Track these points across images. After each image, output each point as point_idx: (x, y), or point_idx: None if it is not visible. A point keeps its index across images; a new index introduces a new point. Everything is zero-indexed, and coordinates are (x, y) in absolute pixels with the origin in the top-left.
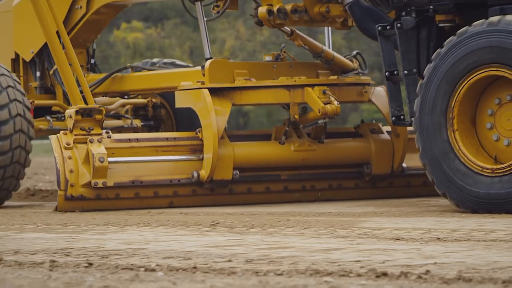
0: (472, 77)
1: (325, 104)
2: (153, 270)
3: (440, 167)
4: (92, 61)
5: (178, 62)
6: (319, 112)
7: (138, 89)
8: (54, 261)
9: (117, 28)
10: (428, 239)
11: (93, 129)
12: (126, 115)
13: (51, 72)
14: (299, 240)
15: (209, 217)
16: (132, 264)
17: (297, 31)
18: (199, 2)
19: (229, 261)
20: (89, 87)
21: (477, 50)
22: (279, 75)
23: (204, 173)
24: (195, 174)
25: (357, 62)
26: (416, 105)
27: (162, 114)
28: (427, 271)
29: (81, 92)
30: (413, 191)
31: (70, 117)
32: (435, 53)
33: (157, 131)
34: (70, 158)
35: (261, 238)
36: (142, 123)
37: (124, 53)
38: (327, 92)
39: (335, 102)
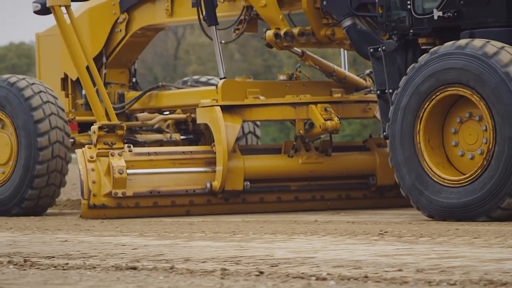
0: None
1: (326, 120)
2: (324, 279)
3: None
4: (134, 79)
5: (210, 79)
6: (320, 128)
7: (169, 105)
8: (225, 269)
9: None
10: None
11: (115, 144)
12: (167, 130)
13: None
14: (469, 249)
15: (377, 226)
16: (302, 273)
17: (308, 52)
18: (213, 26)
19: (400, 270)
20: (127, 104)
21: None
22: (292, 93)
23: (216, 184)
24: (208, 185)
25: (370, 80)
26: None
27: (201, 128)
28: None
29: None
30: None
31: (94, 132)
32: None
33: (197, 144)
34: (93, 170)
35: (430, 248)
36: (182, 137)
37: (286, 63)
38: (328, 109)
39: (336, 119)
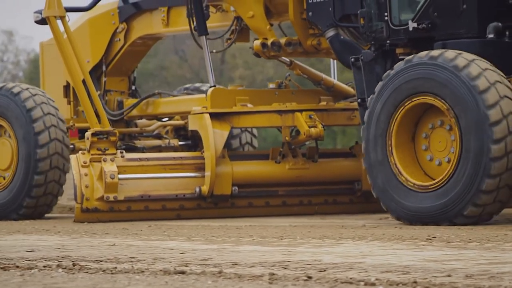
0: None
1: (310, 127)
2: (372, 284)
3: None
4: (133, 87)
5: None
6: (304, 135)
7: (165, 112)
8: (273, 274)
9: None
10: None
11: (108, 149)
12: (165, 136)
13: None
14: None
15: (425, 231)
16: (351, 278)
17: (295, 61)
18: (203, 36)
19: (449, 276)
20: (125, 111)
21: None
22: (281, 101)
23: (205, 189)
24: (197, 190)
25: None
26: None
27: (199, 133)
28: None
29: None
30: None
31: (88, 138)
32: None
33: (195, 150)
34: (86, 175)
35: (479, 253)
36: (181, 143)
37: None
38: (313, 116)
39: (320, 126)
